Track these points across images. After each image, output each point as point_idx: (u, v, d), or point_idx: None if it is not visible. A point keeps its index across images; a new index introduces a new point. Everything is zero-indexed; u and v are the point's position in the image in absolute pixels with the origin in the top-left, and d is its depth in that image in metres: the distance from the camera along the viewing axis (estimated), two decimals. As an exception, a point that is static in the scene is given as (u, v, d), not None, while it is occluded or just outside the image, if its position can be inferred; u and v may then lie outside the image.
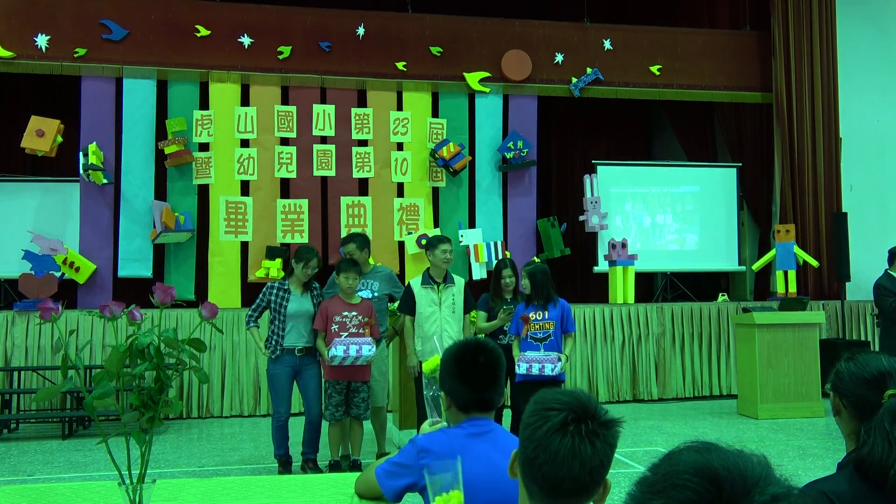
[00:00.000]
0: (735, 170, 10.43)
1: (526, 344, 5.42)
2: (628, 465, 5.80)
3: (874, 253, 9.04)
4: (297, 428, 5.71)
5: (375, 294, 5.79)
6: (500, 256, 8.96)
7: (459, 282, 5.69)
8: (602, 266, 9.65)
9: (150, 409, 2.09)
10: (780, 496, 0.87)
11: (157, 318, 2.12)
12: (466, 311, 5.67)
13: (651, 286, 11.33)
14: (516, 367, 5.31)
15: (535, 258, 6.35)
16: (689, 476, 0.89)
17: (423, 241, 6.97)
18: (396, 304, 5.88)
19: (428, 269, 5.64)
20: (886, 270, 6.91)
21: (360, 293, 5.71)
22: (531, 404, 1.44)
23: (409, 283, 5.62)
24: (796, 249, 9.35)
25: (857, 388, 1.84)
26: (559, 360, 5.34)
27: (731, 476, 0.88)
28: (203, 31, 8.89)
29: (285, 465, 5.55)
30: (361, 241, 5.95)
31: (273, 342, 5.52)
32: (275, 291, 5.56)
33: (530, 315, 5.47)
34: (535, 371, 5.27)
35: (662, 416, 7.92)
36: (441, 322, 5.48)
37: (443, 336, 5.42)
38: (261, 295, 5.61)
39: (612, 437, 1.40)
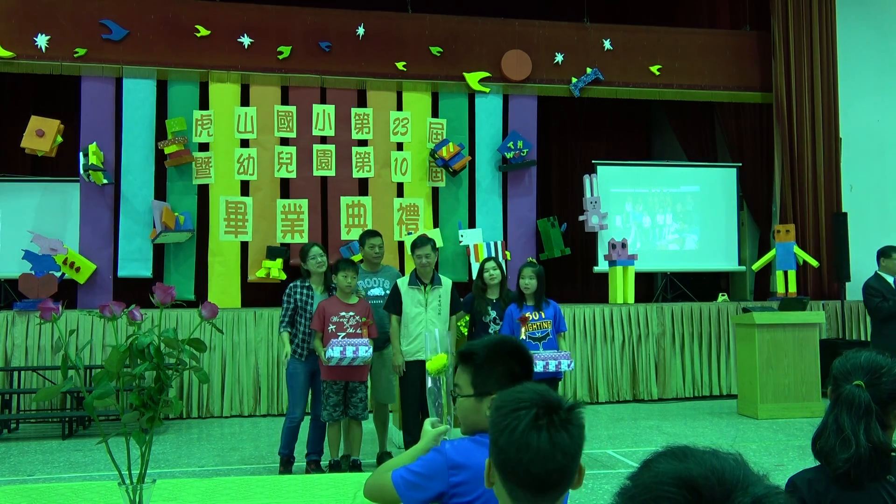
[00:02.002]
0: (735, 170, 10.43)
1: (526, 344, 5.42)
2: (628, 465, 5.80)
3: (874, 253, 9.03)
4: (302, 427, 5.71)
5: (386, 292, 5.83)
6: (500, 256, 8.96)
7: (447, 283, 5.71)
8: (602, 266, 9.65)
9: (150, 409, 2.09)
10: (762, 497, 0.88)
11: (157, 318, 2.12)
12: (452, 312, 5.68)
13: (651, 286, 11.33)
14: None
15: (530, 259, 6.36)
16: (667, 487, 0.90)
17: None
18: None
19: (415, 269, 5.67)
20: (876, 271, 7.02)
21: (371, 291, 5.80)
22: (495, 409, 1.44)
23: (396, 283, 5.64)
24: (796, 249, 9.35)
25: (843, 382, 1.89)
26: (569, 355, 5.42)
27: (710, 482, 0.89)
28: (203, 31, 8.88)
29: (287, 465, 5.55)
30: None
31: (299, 341, 5.53)
32: (299, 290, 5.59)
33: (528, 315, 5.48)
34: (552, 368, 5.32)
35: (662, 416, 7.92)
36: (426, 323, 5.49)
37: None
38: (285, 298, 5.59)
39: (580, 420, 1.43)
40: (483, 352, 2.03)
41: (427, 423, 2.15)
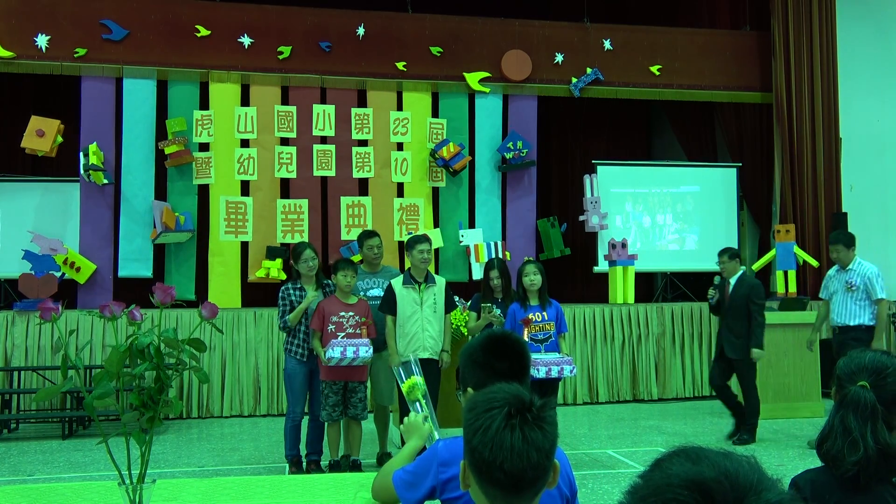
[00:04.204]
0: (735, 170, 10.43)
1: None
2: (628, 465, 5.81)
3: (874, 253, 9.03)
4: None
5: None
6: (500, 256, 8.95)
7: (440, 281, 5.71)
8: (602, 266, 9.65)
9: (150, 409, 2.09)
10: (774, 503, 0.87)
11: (157, 318, 2.12)
12: (448, 310, 5.68)
13: (651, 286, 11.33)
14: (533, 371, 5.28)
15: (528, 258, 6.35)
16: (679, 489, 0.89)
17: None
18: None
19: (409, 269, 5.65)
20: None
21: (370, 291, 5.82)
22: (468, 411, 1.45)
23: (390, 283, 5.63)
24: (796, 249, 9.34)
25: (847, 383, 1.87)
26: (571, 361, 5.42)
27: (722, 486, 0.88)
28: (203, 31, 8.88)
29: (298, 465, 5.56)
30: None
31: (299, 341, 5.53)
32: (291, 291, 5.58)
33: (531, 317, 5.47)
34: (554, 374, 5.30)
35: (662, 416, 7.92)
36: (422, 322, 5.49)
37: (423, 336, 5.44)
38: (281, 300, 5.59)
39: (552, 418, 1.44)
40: (471, 346, 2.10)
41: (406, 420, 2.21)
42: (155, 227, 8.58)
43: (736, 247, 10.32)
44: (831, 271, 6.80)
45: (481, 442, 1.39)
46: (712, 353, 9.00)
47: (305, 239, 8.78)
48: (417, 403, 2.35)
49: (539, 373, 5.28)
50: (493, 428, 1.38)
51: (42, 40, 8.54)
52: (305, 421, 5.64)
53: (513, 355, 2.06)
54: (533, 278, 5.54)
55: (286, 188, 9.10)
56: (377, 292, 5.83)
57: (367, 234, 6.07)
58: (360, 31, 9.19)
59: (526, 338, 5.43)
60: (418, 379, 2.38)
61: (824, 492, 1.78)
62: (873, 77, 10.13)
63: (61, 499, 2.46)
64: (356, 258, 6.86)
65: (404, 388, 2.40)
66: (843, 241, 6.66)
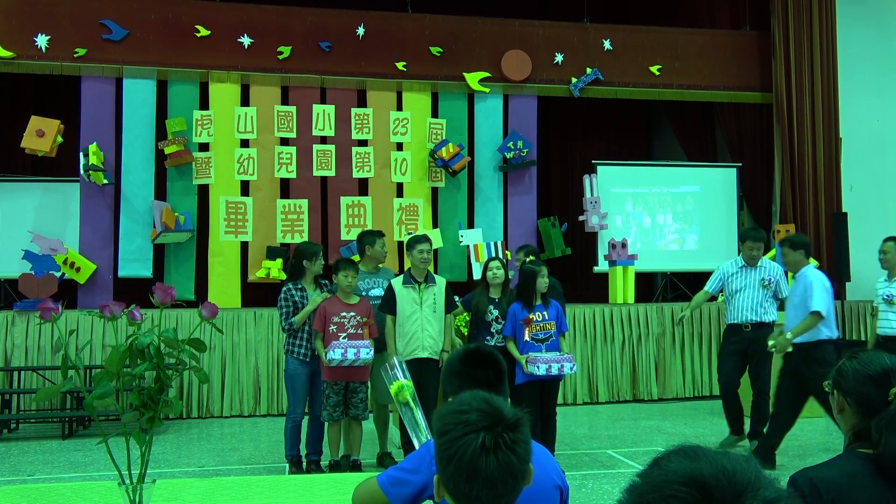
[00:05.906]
0: (735, 170, 10.43)
1: (528, 345, 5.42)
2: (628, 465, 5.81)
3: (874, 253, 9.02)
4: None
5: None
6: (500, 256, 8.95)
7: (441, 281, 5.72)
8: (602, 266, 9.65)
9: (150, 409, 2.10)
10: (772, 501, 0.87)
11: (157, 318, 2.12)
12: (448, 310, 5.69)
13: (651, 286, 11.33)
14: (534, 368, 5.29)
15: (532, 257, 6.33)
16: (678, 486, 0.90)
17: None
18: None
19: (409, 269, 5.67)
20: None
21: (371, 292, 5.83)
22: (440, 434, 1.42)
23: (390, 283, 5.64)
24: (796, 249, 9.33)
25: (862, 386, 1.88)
26: (572, 358, 5.44)
27: (720, 483, 0.89)
28: (203, 31, 8.88)
29: (298, 465, 5.56)
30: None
31: (301, 342, 5.53)
32: (293, 292, 5.58)
33: (531, 317, 5.47)
34: (554, 371, 5.30)
35: (662, 416, 7.92)
36: (422, 321, 5.50)
37: (423, 336, 5.45)
38: (283, 301, 5.60)
39: (526, 434, 1.41)
40: (450, 359, 2.22)
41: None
42: (155, 227, 8.58)
43: (736, 247, 10.35)
44: (730, 268, 6.70)
45: (456, 471, 1.37)
46: (713, 353, 9.05)
47: (306, 239, 8.78)
48: (407, 405, 2.37)
49: (539, 370, 5.29)
50: (468, 456, 1.36)
51: (42, 40, 8.54)
52: (305, 421, 5.65)
53: (489, 364, 2.13)
54: (542, 281, 5.55)
55: (286, 188, 9.10)
56: (378, 292, 5.84)
57: (377, 234, 6.07)
58: (360, 31, 9.19)
59: (527, 337, 5.44)
60: (405, 382, 2.42)
61: (822, 488, 1.78)
62: (873, 77, 10.13)
63: (61, 499, 2.46)
64: (355, 258, 6.86)
65: (392, 390, 2.43)
66: (763, 238, 6.80)
